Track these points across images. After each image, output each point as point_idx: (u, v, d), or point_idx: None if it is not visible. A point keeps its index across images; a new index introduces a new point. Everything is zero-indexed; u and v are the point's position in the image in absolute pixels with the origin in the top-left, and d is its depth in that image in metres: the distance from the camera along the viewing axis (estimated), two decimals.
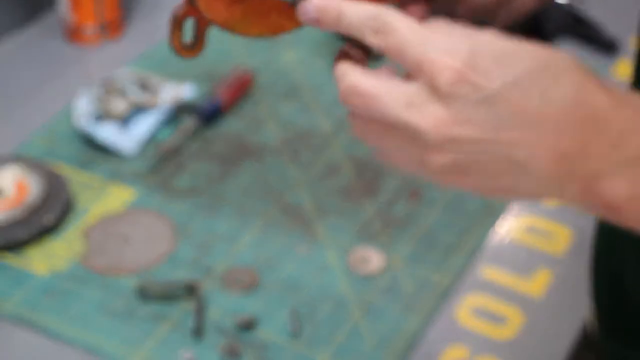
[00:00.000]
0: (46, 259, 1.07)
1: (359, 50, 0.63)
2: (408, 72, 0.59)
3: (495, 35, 0.58)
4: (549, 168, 0.57)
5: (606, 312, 0.93)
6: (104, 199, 1.14)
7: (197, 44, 0.66)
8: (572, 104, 0.57)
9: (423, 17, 0.68)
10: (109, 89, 1.22)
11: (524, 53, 0.57)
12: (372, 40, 0.59)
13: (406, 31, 0.58)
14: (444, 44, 0.57)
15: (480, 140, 0.57)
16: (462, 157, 0.58)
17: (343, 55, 0.62)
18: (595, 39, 1.38)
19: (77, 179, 1.16)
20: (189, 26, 0.66)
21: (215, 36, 1.41)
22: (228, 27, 0.65)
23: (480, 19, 0.76)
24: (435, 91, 0.57)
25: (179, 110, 1.26)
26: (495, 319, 1.02)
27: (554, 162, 0.57)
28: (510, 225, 1.12)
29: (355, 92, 0.59)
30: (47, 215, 1.09)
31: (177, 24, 0.64)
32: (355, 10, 0.60)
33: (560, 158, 0.57)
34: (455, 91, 0.56)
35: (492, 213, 1.13)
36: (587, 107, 0.57)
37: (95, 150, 1.20)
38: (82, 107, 1.20)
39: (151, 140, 1.22)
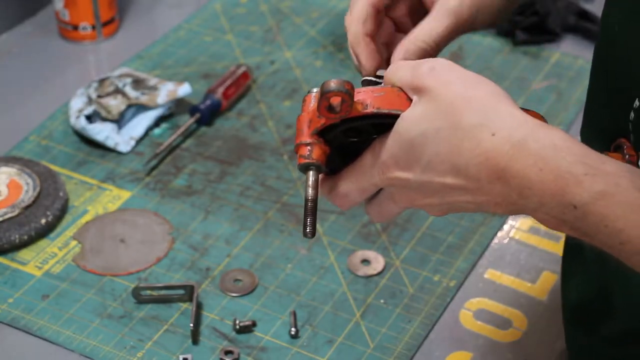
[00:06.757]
0: (41, 260, 1.05)
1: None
2: None
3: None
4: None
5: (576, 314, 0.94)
6: (100, 199, 1.13)
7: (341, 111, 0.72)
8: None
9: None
10: (105, 88, 1.21)
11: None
12: None
13: None
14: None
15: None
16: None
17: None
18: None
19: (73, 178, 1.15)
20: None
21: (213, 35, 1.41)
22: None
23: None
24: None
25: (176, 109, 1.25)
26: (499, 321, 1.01)
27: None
28: (513, 227, 1.11)
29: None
30: (42, 216, 1.08)
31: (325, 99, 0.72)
32: None
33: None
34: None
35: (494, 215, 1.12)
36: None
37: (92, 149, 1.19)
38: (78, 106, 1.20)
39: (148, 139, 1.21)
